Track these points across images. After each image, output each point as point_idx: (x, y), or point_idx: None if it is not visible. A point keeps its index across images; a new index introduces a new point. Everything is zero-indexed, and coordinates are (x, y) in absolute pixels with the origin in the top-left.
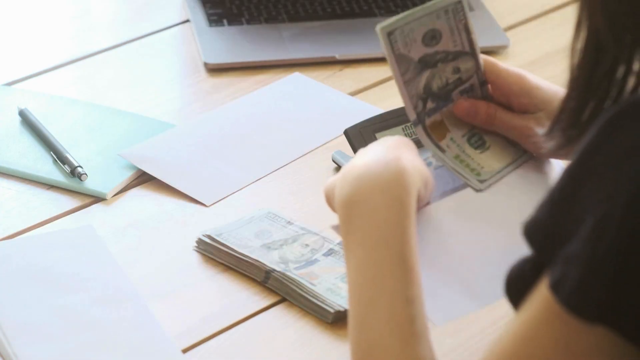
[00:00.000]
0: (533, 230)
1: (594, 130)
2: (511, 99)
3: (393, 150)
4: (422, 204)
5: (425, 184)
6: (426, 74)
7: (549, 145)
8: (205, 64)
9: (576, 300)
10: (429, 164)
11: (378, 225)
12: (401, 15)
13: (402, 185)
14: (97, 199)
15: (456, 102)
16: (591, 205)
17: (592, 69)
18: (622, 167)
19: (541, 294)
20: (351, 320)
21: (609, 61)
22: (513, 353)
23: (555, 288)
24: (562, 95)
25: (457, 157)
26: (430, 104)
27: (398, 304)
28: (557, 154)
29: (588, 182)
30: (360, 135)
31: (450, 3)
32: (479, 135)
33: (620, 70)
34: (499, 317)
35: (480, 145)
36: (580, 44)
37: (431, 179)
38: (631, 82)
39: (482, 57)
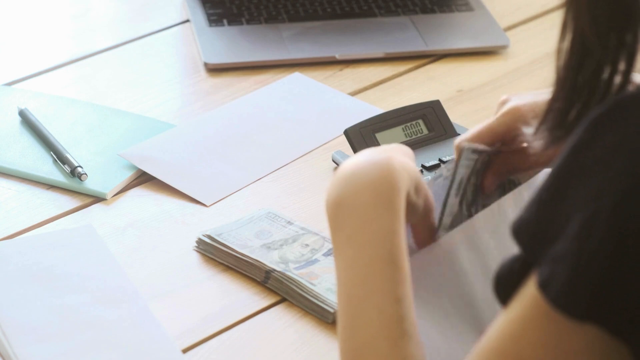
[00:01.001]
0: (521, 230)
1: (581, 129)
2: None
3: (384, 152)
4: (415, 212)
5: (417, 188)
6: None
7: (536, 145)
8: (205, 64)
9: (565, 299)
10: (438, 176)
11: (366, 224)
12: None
13: (391, 184)
14: (97, 199)
15: (484, 183)
16: (579, 204)
17: (577, 69)
18: (610, 165)
19: (529, 293)
20: (340, 320)
21: (594, 62)
22: (501, 352)
23: (543, 287)
24: None
25: None
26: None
27: (387, 303)
28: (545, 155)
29: (575, 180)
30: (360, 135)
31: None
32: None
33: (606, 71)
34: None
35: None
36: (566, 45)
37: (423, 183)
38: (617, 82)
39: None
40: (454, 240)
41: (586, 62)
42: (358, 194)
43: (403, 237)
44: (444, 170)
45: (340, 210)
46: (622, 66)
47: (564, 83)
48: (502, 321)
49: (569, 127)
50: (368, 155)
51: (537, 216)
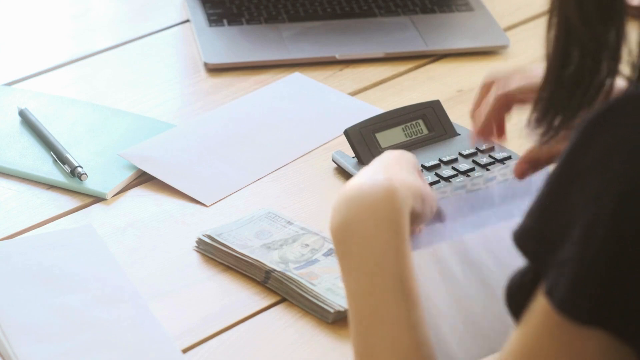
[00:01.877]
0: (525, 239)
1: (577, 132)
2: None
3: (385, 170)
4: (422, 220)
5: (422, 200)
6: None
7: (532, 136)
8: (205, 64)
9: (569, 303)
10: (461, 187)
11: (372, 251)
12: None
13: (394, 207)
14: (97, 199)
15: (516, 168)
16: (579, 208)
17: (563, 57)
18: (607, 167)
19: (539, 304)
20: (355, 351)
21: (579, 51)
22: None
23: (549, 293)
24: None
25: None
26: None
27: (401, 331)
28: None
29: (575, 185)
30: (360, 135)
31: None
32: None
33: (591, 62)
34: None
35: None
36: (552, 33)
37: (429, 193)
38: (604, 74)
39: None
40: (441, 252)
41: (571, 50)
42: (361, 220)
43: (410, 260)
44: (467, 182)
45: (345, 237)
46: (607, 58)
47: (551, 71)
48: (516, 337)
49: (555, 118)
50: (369, 176)
51: (539, 223)
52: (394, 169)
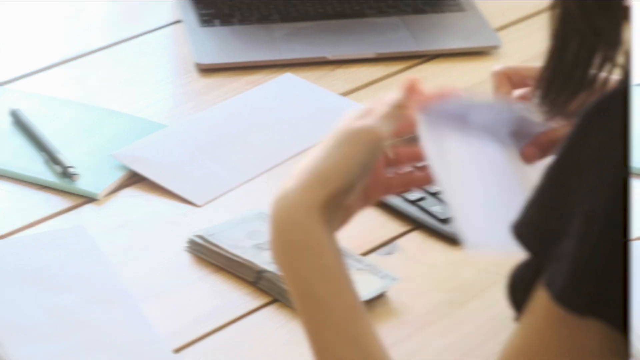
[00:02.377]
0: (525, 232)
1: (575, 125)
2: None
3: (289, 179)
4: (355, 193)
5: (349, 182)
6: None
7: (539, 113)
8: (197, 64)
9: (568, 294)
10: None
11: (290, 273)
12: None
13: (291, 224)
14: (89, 199)
15: (524, 152)
16: (578, 201)
17: (563, 43)
18: (604, 159)
19: (540, 296)
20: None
21: (578, 37)
22: None
23: (549, 285)
24: None
25: None
26: None
27: (344, 347)
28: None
29: (572, 177)
30: None
31: None
32: None
33: (588, 47)
34: (491, 317)
35: None
36: (554, 17)
37: (351, 165)
38: (602, 59)
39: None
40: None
41: (570, 39)
42: (272, 236)
43: (339, 268)
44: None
45: (275, 256)
46: (604, 47)
47: (553, 54)
48: (518, 330)
49: (557, 97)
50: (278, 190)
51: (539, 216)
52: (297, 172)
